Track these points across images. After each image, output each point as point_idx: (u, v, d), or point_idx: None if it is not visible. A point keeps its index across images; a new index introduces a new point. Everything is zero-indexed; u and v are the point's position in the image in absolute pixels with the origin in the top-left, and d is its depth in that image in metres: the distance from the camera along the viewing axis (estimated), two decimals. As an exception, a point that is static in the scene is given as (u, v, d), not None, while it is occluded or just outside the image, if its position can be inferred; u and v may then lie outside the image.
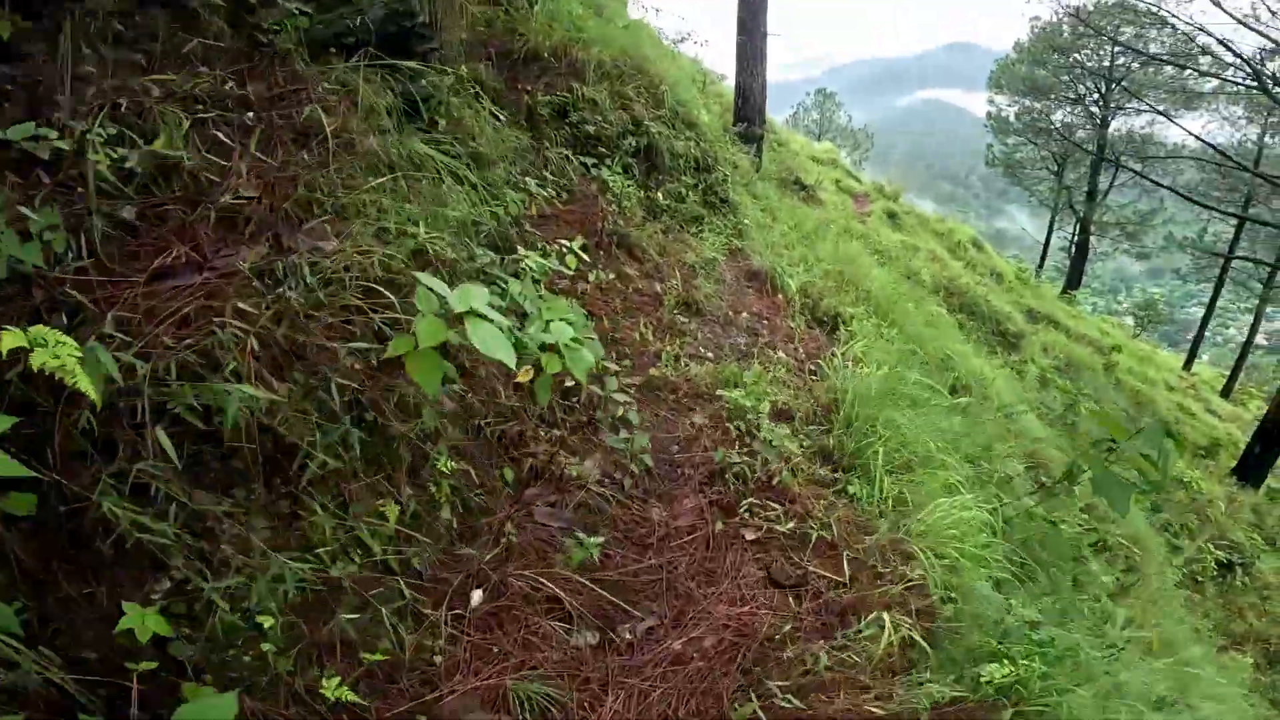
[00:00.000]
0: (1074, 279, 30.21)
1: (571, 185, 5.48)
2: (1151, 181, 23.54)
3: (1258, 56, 19.42)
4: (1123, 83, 25.76)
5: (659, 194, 6.36)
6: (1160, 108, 26.60)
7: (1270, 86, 17.99)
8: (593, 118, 5.98)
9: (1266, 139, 28.44)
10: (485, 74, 5.72)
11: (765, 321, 5.58)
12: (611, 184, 5.63)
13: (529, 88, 5.88)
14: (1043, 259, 33.66)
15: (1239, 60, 18.96)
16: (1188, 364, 28.86)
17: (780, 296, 6.17)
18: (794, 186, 14.55)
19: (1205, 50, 22.30)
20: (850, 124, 37.65)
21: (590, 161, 5.88)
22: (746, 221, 7.80)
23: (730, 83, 13.51)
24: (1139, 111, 28.46)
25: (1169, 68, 25.74)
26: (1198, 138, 21.76)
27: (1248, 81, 19.75)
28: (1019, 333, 15.30)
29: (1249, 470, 17.93)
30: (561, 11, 6.72)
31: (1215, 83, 25.97)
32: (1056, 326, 19.19)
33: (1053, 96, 28.91)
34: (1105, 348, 20.91)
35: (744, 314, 5.45)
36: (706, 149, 7.65)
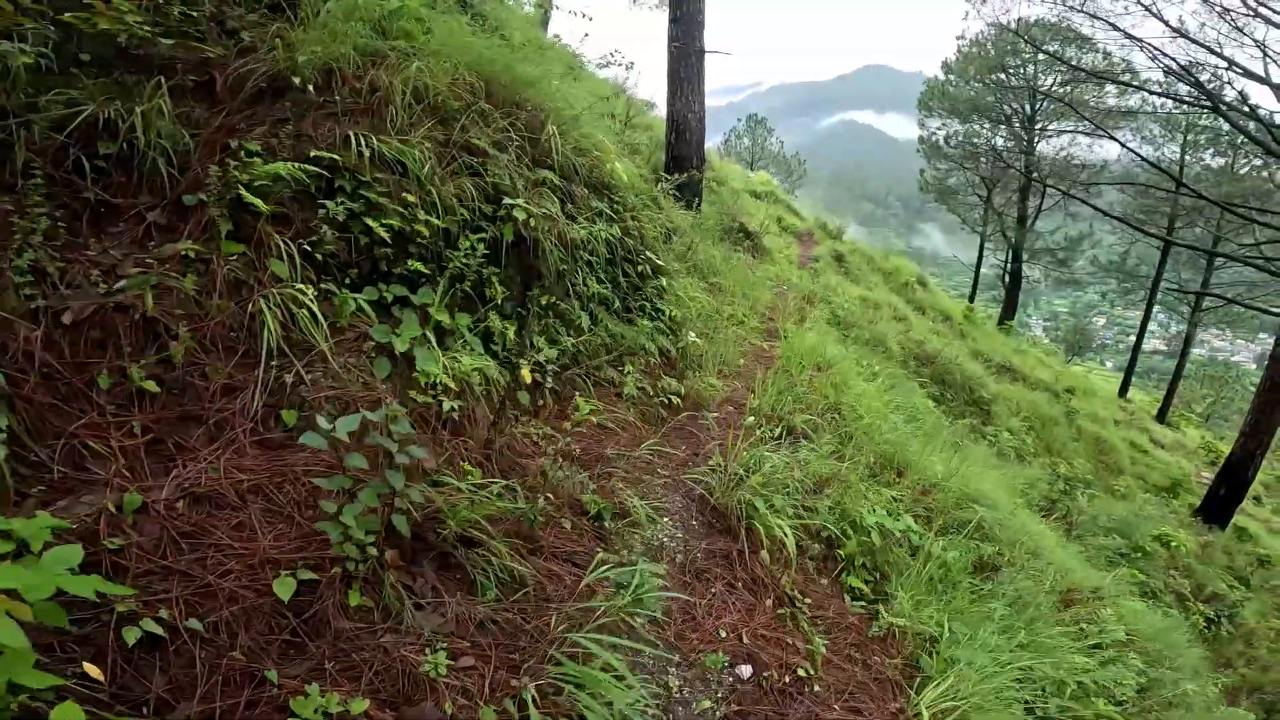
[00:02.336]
0: (1009, 309, 28.20)
1: (306, 384, 2.34)
2: (1081, 201, 21.60)
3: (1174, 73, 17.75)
4: (1049, 97, 23.87)
5: (537, 337, 3.26)
6: (1085, 127, 25.05)
7: (1220, 105, 15.76)
8: (390, 202, 2.84)
9: (1187, 157, 27.07)
10: (156, 120, 2.54)
11: (751, 684, 2.48)
12: (413, 354, 2.47)
13: (250, 141, 2.72)
14: (974, 286, 31.72)
15: (1181, 75, 16.71)
16: (1123, 390, 27.26)
17: (764, 555, 3.13)
18: (738, 235, 11.66)
19: (1127, 68, 20.61)
20: (782, 150, 35.17)
21: (382, 295, 2.75)
22: (693, 338, 4.78)
23: (661, 112, 10.53)
24: (1061, 132, 26.77)
25: (1093, 87, 24.07)
26: (1128, 148, 19.79)
27: (1190, 98, 17.63)
28: (991, 398, 12.77)
29: (1214, 511, 16.55)
30: (365, 5, 3.57)
31: (1143, 100, 24.50)
32: (1013, 374, 16.90)
33: (980, 117, 26.85)
34: (1059, 390, 18.89)
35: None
36: (629, 227, 4.59)
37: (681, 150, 9.38)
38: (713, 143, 34.28)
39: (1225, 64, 15.37)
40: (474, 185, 3.24)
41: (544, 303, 3.52)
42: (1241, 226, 24.61)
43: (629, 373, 4.00)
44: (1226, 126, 25.55)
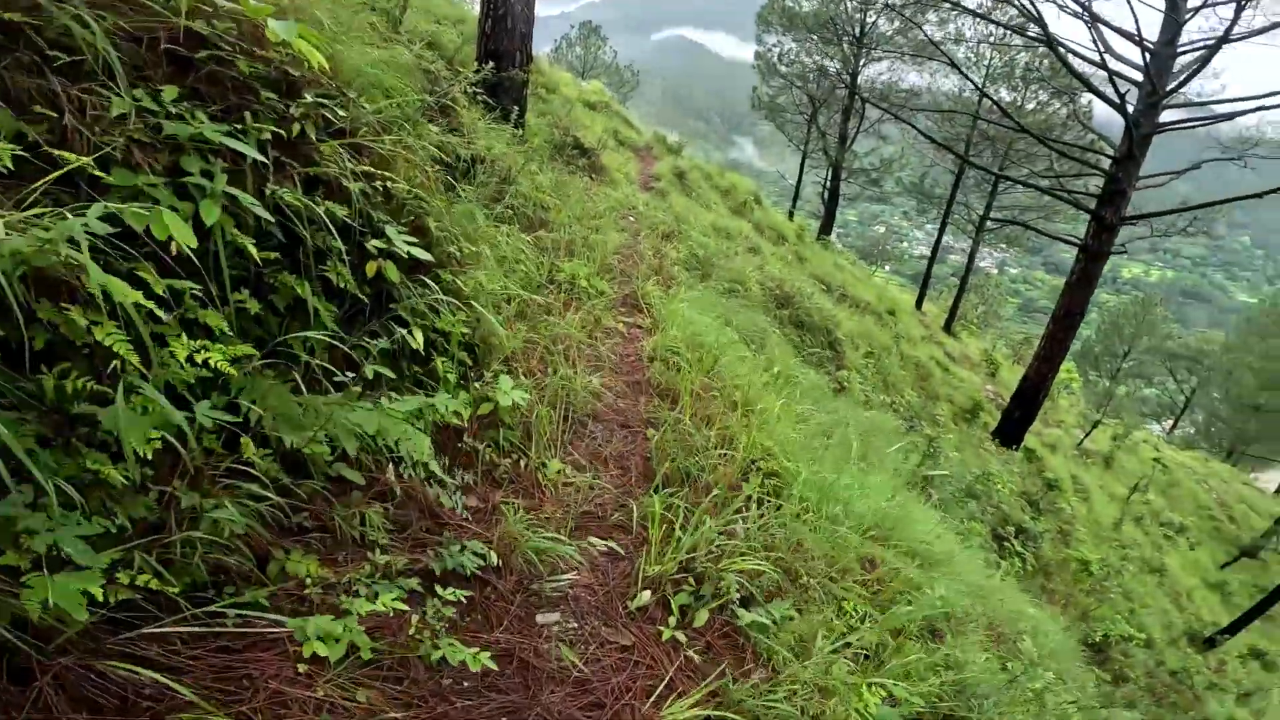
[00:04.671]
0: (827, 224, 27.35)
1: None
2: (905, 123, 20.73)
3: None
4: (890, 7, 22.31)
5: None
6: (908, 52, 24.14)
7: (1054, 39, 14.41)
8: None
9: (989, 87, 26.76)
10: None
11: None
12: None
13: None
14: (794, 201, 30.60)
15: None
16: (919, 303, 27.63)
17: None
18: (572, 152, 8.78)
19: None
20: (615, 60, 31.29)
21: None
22: (509, 393, 2.14)
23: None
24: (885, 56, 25.62)
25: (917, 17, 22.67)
26: (964, 73, 18.80)
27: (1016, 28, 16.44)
28: (844, 338, 11.09)
29: (1009, 433, 16.41)
30: None
31: (957, 30, 23.64)
32: (850, 301, 15.54)
33: (815, 36, 24.90)
34: (882, 312, 17.97)
35: None
36: (335, 174, 1.73)
37: (501, 43, 6.24)
38: (541, 50, 29.75)
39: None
40: None
41: None
42: (1025, 156, 25.05)
43: (298, 586, 1.31)
44: (1022, 62, 25.32)
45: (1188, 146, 14.57)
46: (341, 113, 1.88)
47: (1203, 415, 37.51)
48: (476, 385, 2.32)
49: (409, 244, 1.94)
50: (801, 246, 17.99)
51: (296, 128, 1.74)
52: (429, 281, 2.05)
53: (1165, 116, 13.12)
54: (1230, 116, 12.83)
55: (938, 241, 29.14)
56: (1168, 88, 12.54)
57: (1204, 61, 12.47)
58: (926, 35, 18.86)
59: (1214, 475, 27.02)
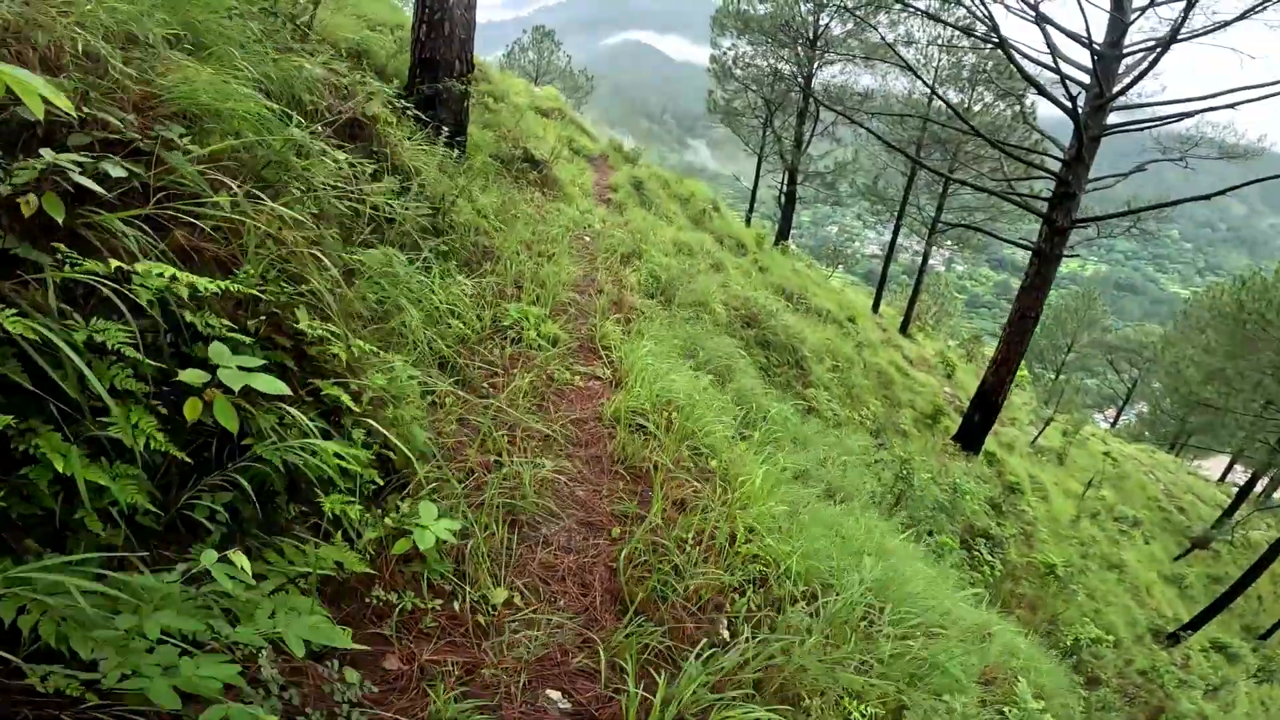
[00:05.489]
0: (785, 229, 27.09)
1: None
2: (859, 125, 20.61)
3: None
4: (844, 9, 22.18)
5: None
6: (859, 56, 24.14)
7: (1006, 40, 14.23)
8: None
9: (940, 89, 26.89)
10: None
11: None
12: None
13: None
14: (751, 206, 30.35)
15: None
16: (875, 306, 27.60)
17: None
18: (522, 166, 8.15)
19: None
20: (569, 65, 30.51)
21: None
22: (431, 524, 1.48)
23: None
24: (838, 58, 25.54)
25: (868, 19, 22.58)
26: (915, 72, 18.72)
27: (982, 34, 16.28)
28: (809, 355, 10.67)
29: (969, 437, 16.14)
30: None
31: (908, 33, 23.63)
32: (816, 314, 15.20)
33: (769, 39, 24.62)
34: (843, 320, 17.72)
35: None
36: None
37: (437, 50, 5.56)
38: (493, 55, 28.83)
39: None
40: None
41: None
42: (973, 157, 25.15)
43: None
44: (969, 64, 25.48)
45: (1128, 147, 14.55)
46: (118, 171, 1.20)
47: (1147, 407, 38.42)
48: (390, 518, 1.71)
49: (246, 369, 1.31)
50: (761, 255, 17.61)
51: (30, 203, 1.14)
52: (293, 413, 1.44)
53: (1112, 119, 13.02)
54: (1179, 118, 12.74)
55: (892, 244, 29.14)
56: (1114, 90, 12.41)
57: (1151, 63, 12.36)
58: (881, 36, 18.67)
59: (1160, 466, 27.57)
